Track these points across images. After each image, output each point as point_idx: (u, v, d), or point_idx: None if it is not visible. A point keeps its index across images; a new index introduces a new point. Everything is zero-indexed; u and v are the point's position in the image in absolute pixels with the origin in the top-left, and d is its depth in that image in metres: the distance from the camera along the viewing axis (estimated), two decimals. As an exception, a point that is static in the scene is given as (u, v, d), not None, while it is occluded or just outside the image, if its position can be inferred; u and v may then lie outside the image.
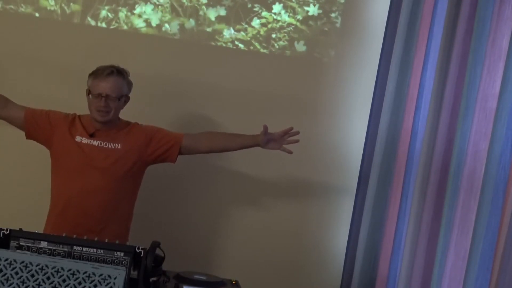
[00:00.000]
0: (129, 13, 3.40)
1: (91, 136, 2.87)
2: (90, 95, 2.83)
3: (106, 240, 2.25)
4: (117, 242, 2.30)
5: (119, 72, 2.86)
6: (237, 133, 3.02)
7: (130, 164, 2.89)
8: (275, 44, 3.48)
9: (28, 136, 2.93)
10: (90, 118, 2.88)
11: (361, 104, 3.45)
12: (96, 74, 2.84)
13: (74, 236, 2.27)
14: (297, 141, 2.93)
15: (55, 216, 2.87)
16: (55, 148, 2.90)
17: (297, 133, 2.93)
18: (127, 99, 2.91)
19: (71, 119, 2.91)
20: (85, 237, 2.27)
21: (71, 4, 3.38)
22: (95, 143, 2.86)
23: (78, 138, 2.87)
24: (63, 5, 3.37)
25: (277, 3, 3.45)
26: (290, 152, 2.93)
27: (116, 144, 2.87)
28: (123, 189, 2.91)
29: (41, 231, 2.45)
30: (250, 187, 3.48)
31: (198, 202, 3.46)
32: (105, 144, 2.87)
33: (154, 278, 2.25)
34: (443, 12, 3.01)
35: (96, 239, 2.26)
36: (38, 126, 2.89)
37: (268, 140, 2.93)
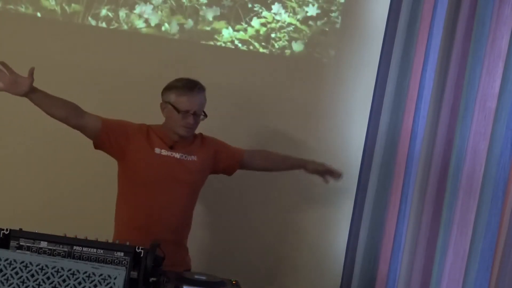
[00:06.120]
0: (129, 13, 3.41)
1: (171, 148, 2.87)
2: (177, 112, 2.81)
3: (106, 240, 2.26)
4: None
5: (203, 88, 2.88)
6: (287, 155, 3.14)
7: (205, 176, 2.95)
8: (275, 44, 3.48)
9: (99, 147, 2.88)
10: (166, 130, 2.88)
11: (361, 105, 3.45)
12: (183, 90, 2.83)
13: (75, 235, 2.27)
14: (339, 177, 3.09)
15: (137, 230, 2.80)
16: (130, 160, 2.86)
17: (340, 175, 3.08)
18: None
19: (145, 130, 2.89)
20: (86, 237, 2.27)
21: (72, 4, 3.38)
22: (177, 155, 2.87)
23: (157, 150, 2.85)
24: (63, 4, 3.37)
25: (276, 3, 3.45)
26: (327, 182, 3.09)
27: (193, 157, 2.89)
28: (194, 200, 2.97)
29: (41, 231, 2.45)
30: (250, 188, 3.48)
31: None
32: (185, 157, 2.88)
33: (154, 278, 2.25)
34: (443, 12, 3.01)
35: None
36: (113, 136, 2.85)
37: (314, 170, 3.08)
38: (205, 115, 2.89)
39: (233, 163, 3.03)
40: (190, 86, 2.84)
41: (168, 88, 2.88)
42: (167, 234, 2.81)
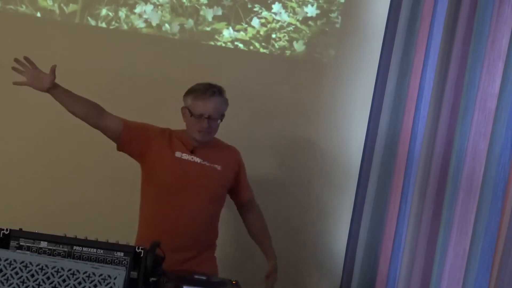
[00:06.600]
0: (129, 13, 3.41)
1: (192, 152, 2.86)
2: (191, 115, 2.82)
3: (108, 240, 2.25)
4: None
5: (220, 92, 2.85)
6: (269, 240, 3.07)
7: (226, 187, 2.93)
8: (275, 44, 3.48)
9: (121, 149, 2.89)
10: (186, 135, 2.87)
11: (361, 104, 3.45)
12: (197, 93, 2.83)
13: (75, 235, 2.27)
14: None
15: (155, 233, 2.78)
16: (151, 162, 2.86)
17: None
18: (223, 116, 2.91)
19: (168, 134, 2.89)
20: (86, 237, 2.27)
21: (71, 4, 3.38)
22: (197, 160, 2.86)
23: (178, 154, 2.85)
24: (62, 5, 3.37)
25: (277, 3, 3.46)
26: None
27: (216, 165, 2.88)
28: (215, 208, 2.95)
29: (41, 231, 2.45)
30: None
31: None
32: (206, 163, 2.87)
33: (154, 278, 2.25)
34: (443, 12, 3.01)
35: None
36: (135, 139, 2.85)
37: (269, 270, 2.99)
38: (221, 119, 2.88)
39: (240, 193, 3.02)
40: (205, 90, 2.83)
41: (187, 93, 2.88)
42: (185, 239, 2.82)
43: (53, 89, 2.76)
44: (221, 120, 2.88)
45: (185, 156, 2.85)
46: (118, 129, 2.83)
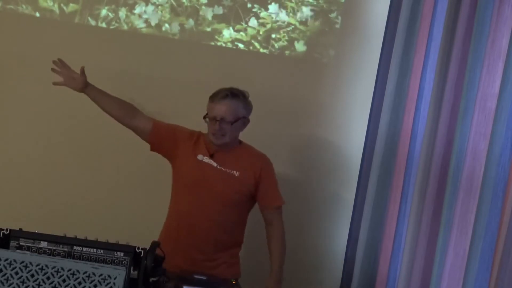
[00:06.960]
0: (129, 13, 3.41)
1: (211, 156, 2.87)
2: (205, 118, 2.84)
3: (108, 240, 2.25)
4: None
5: (233, 95, 2.85)
6: (281, 256, 2.98)
7: (244, 193, 2.89)
8: (275, 44, 3.48)
9: (153, 149, 2.94)
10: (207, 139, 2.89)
11: (361, 104, 3.45)
12: (212, 97, 2.85)
13: (75, 235, 2.27)
14: None
15: (171, 230, 2.89)
16: (177, 164, 2.91)
17: None
18: (245, 121, 2.90)
19: (196, 137, 2.92)
20: (85, 237, 2.27)
21: (71, 4, 3.38)
22: (214, 164, 2.87)
23: (199, 157, 2.88)
24: (62, 5, 3.37)
25: (276, 3, 3.45)
26: None
27: (234, 171, 2.87)
28: (231, 215, 2.91)
29: (41, 231, 2.45)
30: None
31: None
32: (223, 168, 2.87)
33: (154, 278, 2.25)
34: (443, 12, 3.01)
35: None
36: (163, 140, 2.90)
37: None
38: (244, 121, 2.89)
39: (264, 200, 2.95)
40: (217, 93, 2.84)
41: (209, 97, 2.90)
42: (198, 239, 2.84)
43: (87, 88, 2.87)
44: (243, 124, 2.89)
45: (206, 160, 2.88)
46: (147, 130, 2.90)
